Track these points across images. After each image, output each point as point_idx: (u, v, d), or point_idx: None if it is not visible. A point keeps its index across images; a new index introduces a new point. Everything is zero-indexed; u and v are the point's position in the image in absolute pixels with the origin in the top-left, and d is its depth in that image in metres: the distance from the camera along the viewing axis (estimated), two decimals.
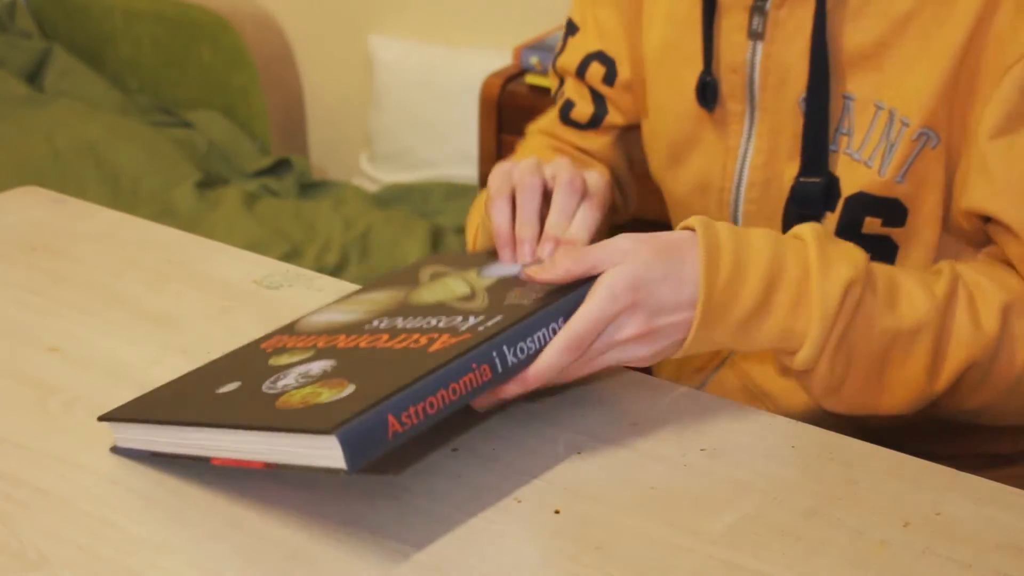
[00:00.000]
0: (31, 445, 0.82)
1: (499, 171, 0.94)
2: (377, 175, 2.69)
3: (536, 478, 0.79)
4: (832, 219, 0.98)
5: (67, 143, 2.55)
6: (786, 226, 1.00)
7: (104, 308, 1.00)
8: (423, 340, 0.78)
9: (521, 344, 0.77)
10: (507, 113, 1.95)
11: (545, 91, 1.89)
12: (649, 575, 0.71)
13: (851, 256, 0.86)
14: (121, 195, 2.46)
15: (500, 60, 2.08)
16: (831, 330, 0.84)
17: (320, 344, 0.83)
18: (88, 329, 0.96)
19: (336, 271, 2.20)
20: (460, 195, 2.49)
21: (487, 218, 0.95)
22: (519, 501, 0.77)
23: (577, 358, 0.80)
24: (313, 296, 1.00)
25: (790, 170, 0.99)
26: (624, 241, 0.83)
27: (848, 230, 0.97)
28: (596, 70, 1.11)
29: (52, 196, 1.21)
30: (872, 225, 0.97)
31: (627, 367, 0.87)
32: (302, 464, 0.71)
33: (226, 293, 1.02)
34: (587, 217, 0.91)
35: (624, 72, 1.10)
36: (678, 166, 1.06)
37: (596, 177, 0.94)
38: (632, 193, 1.21)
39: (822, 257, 0.85)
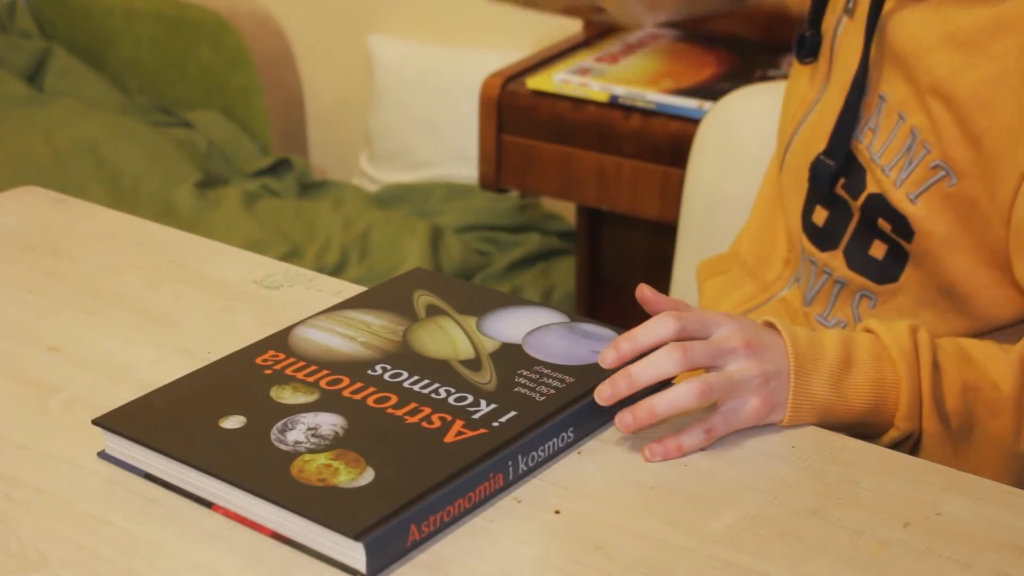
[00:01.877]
0: (31, 445, 0.82)
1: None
2: (377, 175, 2.69)
3: (536, 478, 0.79)
4: (855, 206, 1.00)
5: (67, 143, 2.55)
6: (808, 199, 1.05)
7: (104, 308, 1.00)
8: (436, 421, 0.79)
9: (533, 453, 0.80)
10: (507, 113, 1.95)
11: (544, 95, 1.89)
12: (649, 575, 0.71)
13: (904, 321, 0.90)
14: (121, 195, 2.46)
15: (500, 60, 2.08)
16: (918, 373, 0.87)
17: (323, 384, 0.83)
18: (88, 329, 0.96)
19: (336, 271, 2.20)
20: (460, 195, 2.49)
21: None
22: (519, 501, 0.77)
23: (678, 333, 0.81)
24: (313, 296, 1.00)
25: (821, 144, 1.02)
26: (719, 314, 0.86)
27: (866, 222, 0.99)
28: None
29: (52, 196, 1.21)
30: (884, 227, 0.98)
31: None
32: (315, 549, 0.72)
33: (226, 293, 1.02)
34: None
35: None
36: (786, 92, 1.14)
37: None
38: None
39: (881, 322, 0.89)
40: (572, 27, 2.22)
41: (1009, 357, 0.90)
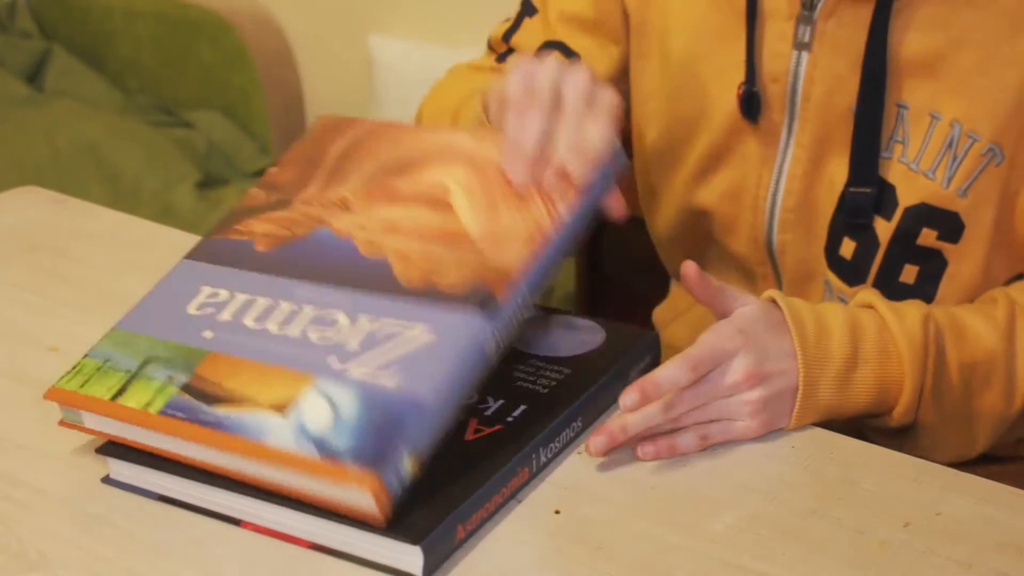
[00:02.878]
0: (31, 445, 0.82)
1: (520, 75, 0.86)
2: None
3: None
4: (888, 228, 0.97)
5: (67, 143, 2.55)
6: (832, 235, 1.00)
7: (104, 308, 1.00)
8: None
9: (552, 444, 0.80)
10: None
11: None
12: (649, 575, 0.71)
13: (915, 302, 0.90)
14: (121, 195, 2.46)
15: None
16: (923, 372, 0.87)
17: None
18: (88, 329, 0.96)
19: None
20: None
21: (490, 117, 0.91)
22: (519, 501, 0.77)
23: (692, 382, 0.81)
24: None
25: (839, 178, 0.98)
26: (744, 293, 0.88)
27: (903, 240, 0.97)
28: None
29: (52, 196, 1.21)
30: (927, 237, 0.96)
31: None
32: (363, 556, 0.71)
33: None
34: (597, 139, 0.84)
35: (601, 69, 1.06)
36: (710, 175, 1.05)
37: (611, 94, 0.87)
38: None
39: (891, 308, 0.89)
40: None
41: (996, 322, 0.91)
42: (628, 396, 0.79)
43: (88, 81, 2.86)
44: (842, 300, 1.02)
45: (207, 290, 0.82)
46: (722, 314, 0.87)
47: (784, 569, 0.71)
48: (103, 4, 2.90)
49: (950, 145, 0.93)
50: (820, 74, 0.97)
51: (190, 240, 1.12)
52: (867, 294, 0.92)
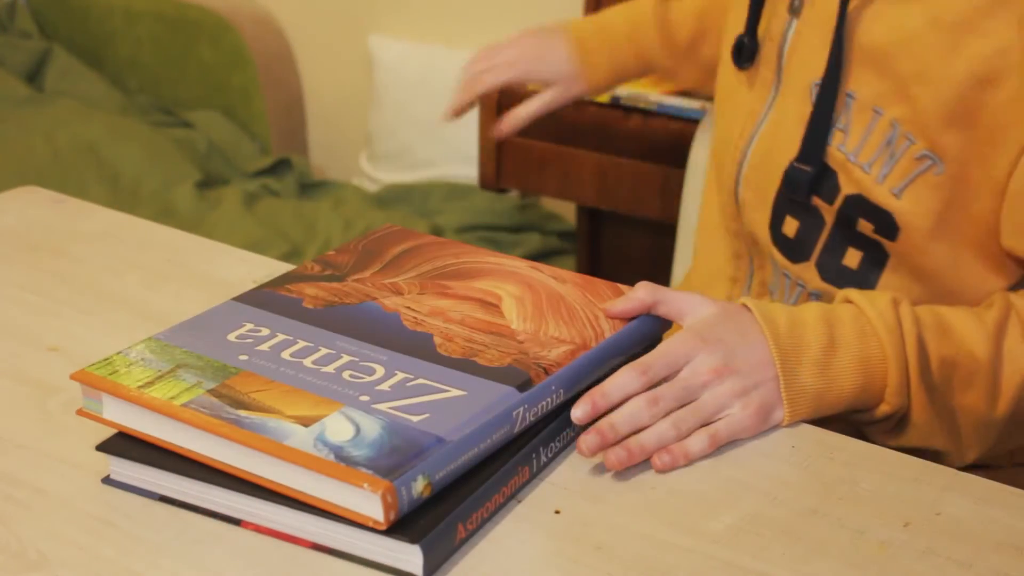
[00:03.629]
0: (31, 445, 0.82)
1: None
2: (377, 175, 2.69)
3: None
4: (830, 212, 0.99)
5: (67, 143, 2.55)
6: (775, 209, 1.02)
7: (104, 308, 1.00)
8: None
9: (552, 444, 0.81)
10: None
11: None
12: (649, 575, 0.71)
13: (886, 292, 0.91)
14: (121, 195, 2.46)
15: None
16: (903, 349, 0.87)
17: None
18: (88, 329, 0.96)
19: None
20: (460, 195, 2.49)
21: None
22: (519, 501, 0.77)
23: (645, 386, 0.82)
24: None
25: (788, 152, 1.01)
26: (695, 295, 0.88)
27: (844, 226, 0.99)
28: None
29: (52, 196, 1.21)
30: (865, 228, 0.98)
31: None
32: (363, 556, 0.71)
33: (226, 293, 1.01)
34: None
35: None
36: (718, 112, 1.12)
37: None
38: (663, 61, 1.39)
39: (862, 294, 0.90)
40: None
41: (985, 324, 0.91)
42: (579, 408, 0.80)
43: (88, 81, 2.86)
44: (786, 276, 1.04)
45: (249, 325, 0.85)
46: (680, 323, 0.88)
47: (784, 569, 0.71)
48: (103, 4, 2.90)
49: (889, 143, 0.94)
50: (801, 43, 1.01)
51: (190, 240, 1.13)
52: (845, 290, 0.92)
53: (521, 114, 1.41)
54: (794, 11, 1.01)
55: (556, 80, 1.40)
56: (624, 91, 1.86)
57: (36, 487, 0.78)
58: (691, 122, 1.83)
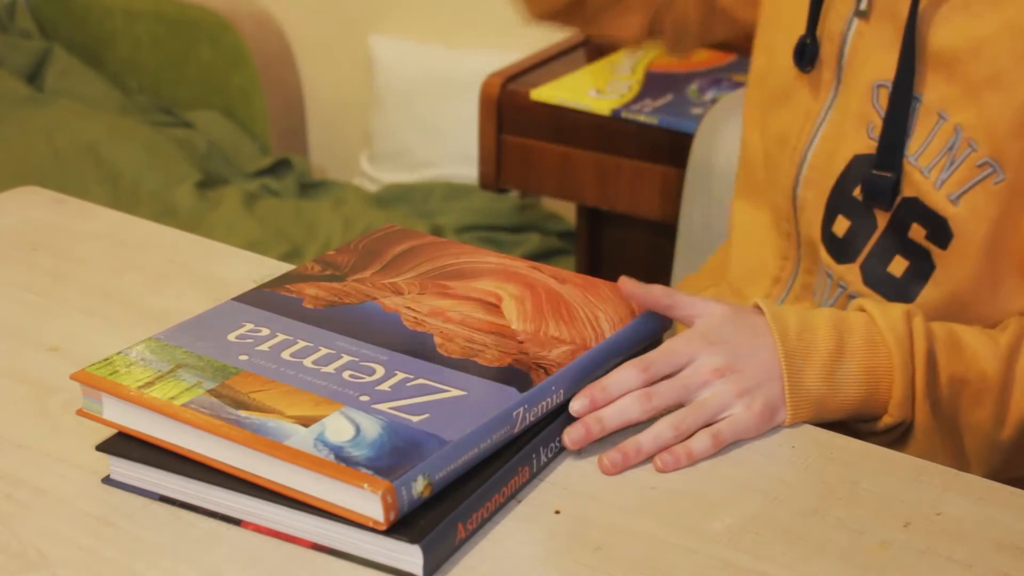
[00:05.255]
0: (31, 445, 0.82)
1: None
2: (377, 175, 2.69)
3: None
4: (885, 215, 0.98)
5: (67, 143, 2.55)
6: (829, 208, 1.02)
7: (104, 308, 1.00)
8: None
9: (552, 444, 0.81)
10: (507, 113, 1.95)
11: (546, 106, 1.90)
12: (649, 575, 0.71)
13: (901, 304, 0.91)
14: (121, 195, 2.46)
15: (500, 60, 2.08)
16: (911, 361, 0.87)
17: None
18: (88, 329, 0.96)
19: None
20: (460, 195, 2.49)
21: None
22: (519, 501, 0.77)
23: (645, 383, 0.81)
24: None
25: (846, 151, 1.00)
26: (709, 300, 0.87)
27: (896, 231, 0.98)
28: None
29: (52, 196, 1.21)
30: (917, 233, 0.97)
31: None
32: (364, 556, 0.71)
33: (226, 293, 1.01)
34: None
35: None
36: (772, 112, 1.09)
37: None
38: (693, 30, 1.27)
39: (876, 305, 0.89)
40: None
41: (998, 345, 0.90)
42: (577, 401, 0.80)
43: (88, 81, 2.86)
44: (828, 275, 1.03)
45: (249, 325, 0.85)
46: (686, 323, 0.88)
47: (784, 569, 0.71)
48: (103, 4, 2.90)
49: (950, 148, 0.94)
50: (863, 45, 0.99)
51: (190, 240, 1.13)
52: (860, 300, 0.92)
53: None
54: (860, 14, 1.00)
55: None
56: (624, 105, 1.86)
57: (36, 487, 0.78)
58: (691, 121, 1.83)
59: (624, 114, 1.85)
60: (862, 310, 0.90)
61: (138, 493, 0.77)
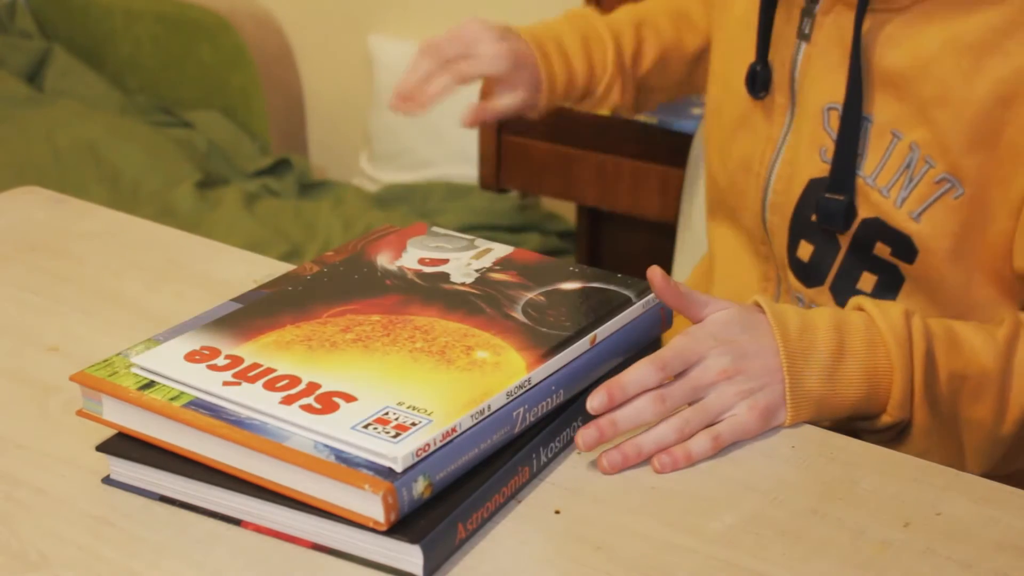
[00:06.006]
0: (31, 445, 0.82)
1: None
2: (377, 175, 2.69)
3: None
4: (846, 237, 0.99)
5: (67, 143, 2.55)
6: (791, 233, 1.01)
7: (104, 308, 1.00)
8: None
9: (552, 444, 0.81)
10: None
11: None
12: (649, 575, 0.71)
13: (899, 304, 0.90)
14: (121, 195, 2.46)
15: None
16: (910, 361, 0.87)
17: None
18: (88, 329, 0.96)
19: None
20: (460, 195, 2.49)
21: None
22: (519, 501, 0.77)
23: (660, 382, 0.82)
24: None
25: (802, 176, 1.00)
26: (718, 299, 0.88)
27: (860, 250, 0.98)
28: None
29: (52, 196, 1.21)
30: (882, 251, 0.97)
31: None
32: (364, 556, 0.71)
33: (226, 293, 1.01)
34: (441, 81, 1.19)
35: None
36: (731, 142, 1.09)
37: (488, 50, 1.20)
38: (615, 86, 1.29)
39: (878, 304, 0.89)
40: None
41: (996, 340, 0.91)
42: (595, 398, 0.80)
43: (88, 81, 2.86)
44: (799, 300, 1.04)
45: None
46: (694, 320, 0.88)
47: (784, 569, 0.71)
48: (103, 4, 2.90)
49: (907, 166, 0.94)
50: (811, 68, 1.00)
51: (190, 240, 1.13)
52: (858, 298, 0.92)
53: (495, 108, 1.25)
54: (803, 36, 1.00)
55: (524, 88, 1.25)
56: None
57: (36, 487, 0.78)
58: (691, 121, 1.83)
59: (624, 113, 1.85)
60: (860, 309, 0.90)
61: (138, 493, 0.77)
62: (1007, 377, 0.90)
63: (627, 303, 0.87)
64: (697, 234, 1.42)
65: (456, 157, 2.54)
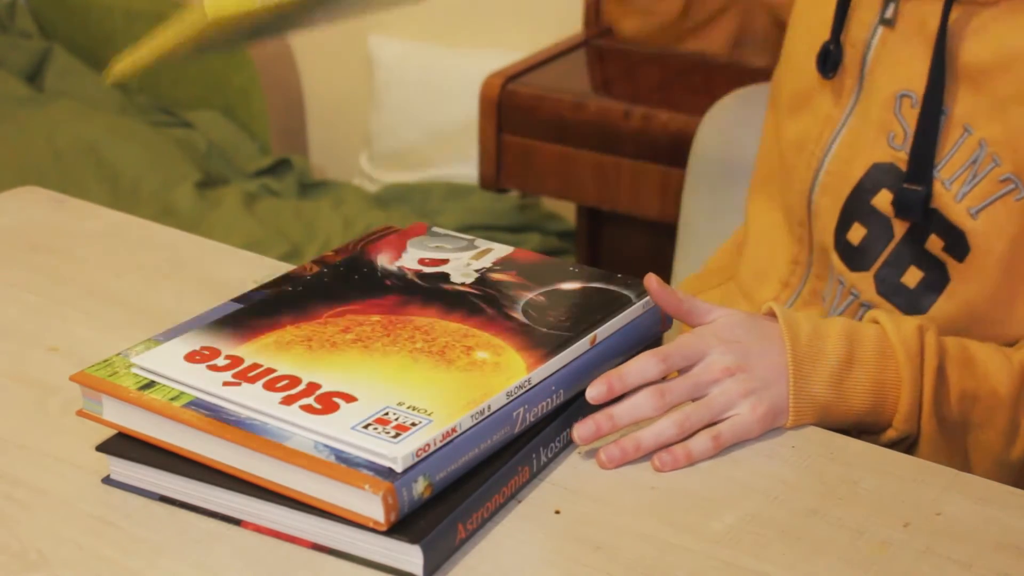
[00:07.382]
0: (31, 445, 0.82)
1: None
2: (377, 175, 2.69)
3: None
4: (902, 225, 0.98)
5: (67, 143, 2.55)
6: (844, 215, 1.01)
7: (104, 308, 1.00)
8: None
9: (552, 444, 0.81)
10: (507, 113, 1.95)
11: (547, 106, 1.89)
12: (649, 575, 0.71)
13: (916, 317, 0.90)
14: (121, 195, 2.46)
15: (500, 60, 2.08)
16: (920, 376, 0.86)
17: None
18: (88, 329, 0.96)
19: None
20: (460, 195, 2.49)
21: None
22: (519, 501, 0.77)
23: (661, 374, 0.81)
24: None
25: (864, 159, 1.00)
26: (723, 308, 0.87)
27: (913, 241, 0.97)
28: None
29: (52, 196, 1.21)
30: (935, 244, 0.96)
31: None
32: (364, 556, 0.71)
33: (226, 293, 1.01)
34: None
35: None
36: (792, 116, 1.09)
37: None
38: None
39: (889, 317, 0.89)
40: (572, 27, 2.22)
41: (1011, 363, 0.90)
42: (595, 388, 0.80)
43: (88, 81, 2.86)
44: (840, 283, 1.03)
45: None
46: (696, 327, 0.88)
47: (784, 569, 0.71)
48: (103, 4, 2.90)
49: (973, 162, 0.93)
50: (887, 53, 0.99)
51: (190, 240, 1.13)
52: (874, 311, 0.92)
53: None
54: (886, 22, 0.99)
55: None
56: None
57: (36, 487, 0.78)
58: (691, 121, 1.83)
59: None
60: (875, 322, 0.90)
61: (138, 493, 0.77)
62: (1020, 402, 0.89)
63: (627, 303, 0.87)
64: (698, 234, 1.42)
65: (456, 157, 2.54)
